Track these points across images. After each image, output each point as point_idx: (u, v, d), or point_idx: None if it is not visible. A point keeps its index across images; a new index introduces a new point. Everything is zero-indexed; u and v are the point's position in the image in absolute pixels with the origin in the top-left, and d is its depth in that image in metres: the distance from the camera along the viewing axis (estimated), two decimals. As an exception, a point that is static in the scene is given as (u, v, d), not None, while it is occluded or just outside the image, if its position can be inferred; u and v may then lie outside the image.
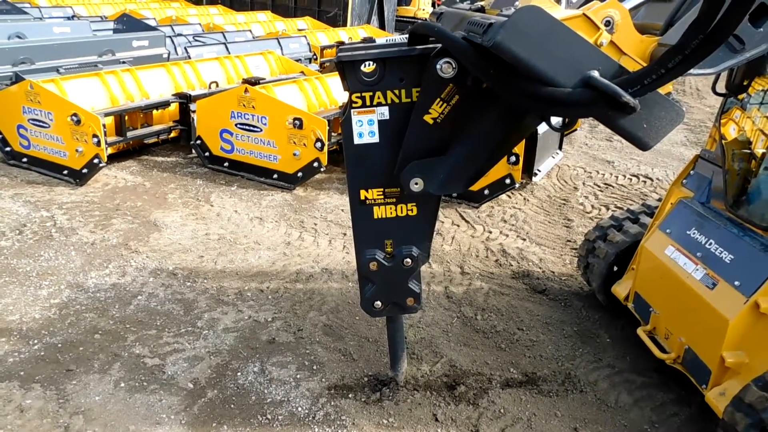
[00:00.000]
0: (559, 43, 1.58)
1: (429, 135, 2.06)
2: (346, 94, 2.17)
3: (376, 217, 2.30)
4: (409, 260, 2.37)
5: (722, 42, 1.35)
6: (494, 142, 2.03)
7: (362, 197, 2.27)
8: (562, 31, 1.60)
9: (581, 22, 1.80)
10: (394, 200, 2.28)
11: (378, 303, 2.49)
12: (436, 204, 2.34)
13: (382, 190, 2.26)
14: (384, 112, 2.12)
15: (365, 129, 2.15)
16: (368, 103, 2.10)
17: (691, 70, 1.50)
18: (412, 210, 2.30)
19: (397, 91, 2.09)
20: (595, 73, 1.55)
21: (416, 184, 2.11)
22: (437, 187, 2.12)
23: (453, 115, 2.01)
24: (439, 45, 1.91)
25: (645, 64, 1.83)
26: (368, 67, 2.05)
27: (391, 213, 2.30)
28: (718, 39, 1.33)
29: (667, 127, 1.63)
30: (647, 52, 1.87)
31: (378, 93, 2.09)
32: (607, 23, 1.81)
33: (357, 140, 2.16)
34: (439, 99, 1.99)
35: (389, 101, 2.10)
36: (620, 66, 1.62)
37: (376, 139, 2.16)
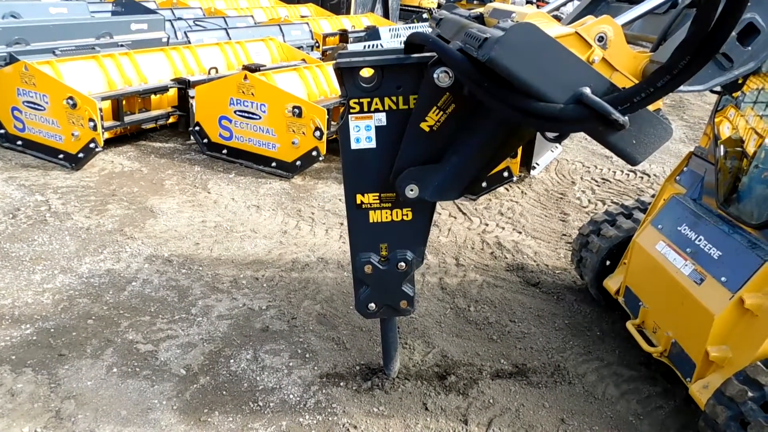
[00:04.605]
0: (552, 60, 1.61)
1: (425, 142, 2.09)
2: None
3: (371, 221, 2.33)
4: (403, 264, 2.40)
5: (708, 60, 1.40)
6: (489, 151, 2.07)
7: (358, 201, 2.30)
8: (555, 48, 1.63)
9: (574, 39, 1.83)
10: (389, 205, 2.31)
11: (372, 305, 2.52)
12: (431, 209, 2.37)
13: (377, 194, 2.29)
14: (381, 118, 2.15)
15: (362, 134, 2.18)
16: (366, 109, 2.13)
17: (681, 87, 1.54)
18: (407, 215, 2.33)
19: (394, 98, 2.11)
20: (587, 90, 1.58)
21: (411, 190, 2.14)
22: (432, 194, 2.15)
23: (449, 124, 2.04)
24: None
25: (637, 81, 1.87)
26: (366, 74, 2.08)
27: (386, 217, 2.33)
28: (704, 57, 1.38)
29: (656, 144, 1.68)
30: (639, 68, 1.90)
31: (376, 99, 2.11)
32: (600, 39, 1.84)
33: (354, 145, 2.19)
34: (435, 107, 2.01)
35: (387, 108, 2.13)
36: (611, 83, 1.65)
37: (373, 144, 2.19)
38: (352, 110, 2.13)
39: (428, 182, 2.12)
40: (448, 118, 2.03)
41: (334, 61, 2.12)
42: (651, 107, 1.64)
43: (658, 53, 1.89)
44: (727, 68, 1.79)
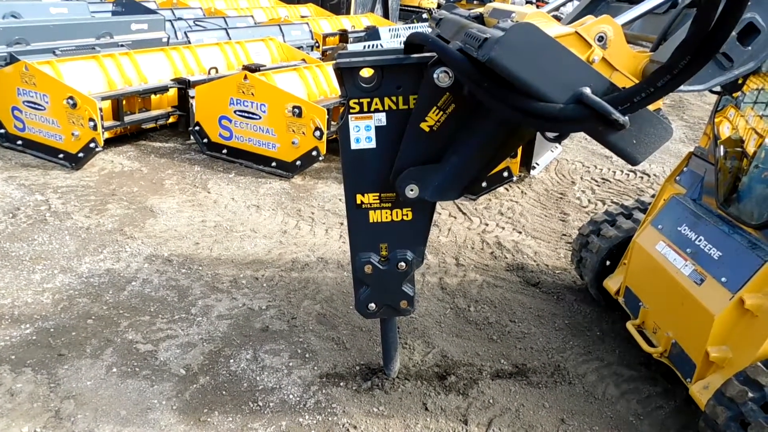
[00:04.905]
0: (552, 60, 1.61)
1: (425, 142, 2.09)
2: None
3: (371, 221, 2.33)
4: (403, 264, 2.40)
5: (709, 60, 1.40)
6: (489, 151, 2.07)
7: (358, 201, 2.30)
8: (555, 48, 1.63)
9: (574, 39, 1.84)
10: (389, 205, 2.31)
11: (372, 305, 2.53)
12: (431, 209, 2.37)
13: (377, 194, 2.29)
14: (381, 118, 2.15)
15: (362, 134, 2.18)
16: (366, 109, 2.13)
17: (681, 87, 1.54)
18: (407, 215, 2.33)
19: (394, 98, 2.12)
20: (587, 90, 1.58)
21: (411, 190, 2.14)
22: (432, 194, 2.15)
23: (449, 124, 2.04)
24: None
25: (636, 80, 1.87)
26: (366, 74, 2.08)
27: (386, 217, 2.33)
28: (705, 57, 1.38)
29: (656, 144, 1.68)
30: (639, 68, 1.90)
31: (376, 99, 2.12)
32: (600, 38, 1.85)
33: (354, 145, 2.19)
34: (435, 107, 2.01)
35: (386, 108, 2.13)
36: (611, 83, 1.65)
37: (372, 144, 2.19)
38: (351, 110, 2.14)
39: (428, 182, 2.13)
40: (448, 118, 2.03)
41: (334, 61, 2.13)
42: (651, 107, 1.64)
43: (658, 53, 1.90)
44: (727, 68, 1.80)
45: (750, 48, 1.77)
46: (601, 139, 1.65)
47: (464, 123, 2.03)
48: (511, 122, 1.94)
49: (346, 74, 2.07)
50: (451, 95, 1.98)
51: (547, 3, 2.89)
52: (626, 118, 1.53)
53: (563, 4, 2.74)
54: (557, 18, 2.47)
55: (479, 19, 2.52)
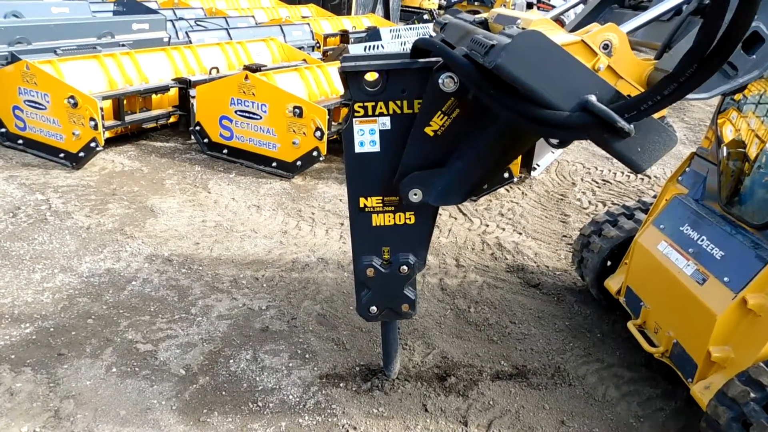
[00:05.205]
0: (558, 68, 1.62)
1: (429, 147, 2.09)
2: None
3: (374, 224, 2.34)
4: (405, 267, 2.40)
5: (716, 70, 1.40)
6: (493, 156, 2.07)
7: (361, 205, 2.30)
8: (561, 56, 1.64)
9: (580, 47, 1.85)
10: (392, 209, 2.31)
11: (374, 308, 2.53)
12: (434, 213, 2.38)
13: (381, 198, 2.29)
14: (385, 122, 2.15)
15: (366, 138, 2.18)
16: (370, 112, 2.13)
17: (686, 96, 1.54)
18: (410, 219, 2.34)
19: (399, 102, 2.12)
20: (593, 98, 1.59)
21: (415, 194, 2.15)
22: (435, 198, 2.16)
23: (453, 129, 2.04)
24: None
25: (641, 88, 1.87)
26: (371, 78, 2.09)
27: (389, 221, 2.33)
28: (713, 67, 1.38)
29: (661, 151, 1.68)
30: (644, 76, 1.92)
31: (380, 103, 2.12)
32: (605, 47, 1.86)
33: (358, 149, 2.19)
34: (440, 112, 2.02)
35: (391, 112, 2.13)
36: (617, 91, 1.66)
37: (376, 148, 2.19)
38: (356, 114, 2.14)
39: (432, 186, 2.13)
40: (453, 123, 2.03)
41: (335, 62, 2.13)
42: (656, 115, 1.65)
43: (663, 61, 1.91)
44: (732, 76, 1.81)
45: (754, 56, 1.78)
46: (606, 147, 1.65)
47: (469, 128, 2.03)
48: (516, 128, 1.94)
49: (351, 78, 2.07)
50: (456, 100, 1.98)
51: (550, 6, 2.91)
52: (631, 126, 1.53)
53: (568, 10, 2.75)
54: (560, 21, 2.47)
55: (484, 24, 2.53)
